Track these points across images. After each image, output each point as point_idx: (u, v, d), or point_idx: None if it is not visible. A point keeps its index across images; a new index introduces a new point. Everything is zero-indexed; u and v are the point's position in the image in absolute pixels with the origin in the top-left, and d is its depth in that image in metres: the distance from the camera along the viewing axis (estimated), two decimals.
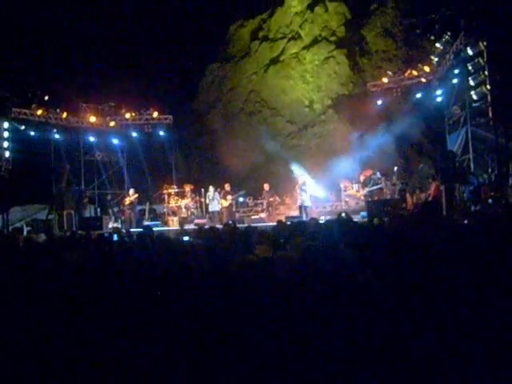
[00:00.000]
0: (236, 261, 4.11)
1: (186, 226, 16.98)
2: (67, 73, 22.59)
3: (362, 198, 18.89)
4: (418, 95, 19.67)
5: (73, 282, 4.33)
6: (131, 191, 20.27)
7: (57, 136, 20.97)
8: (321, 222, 8.42)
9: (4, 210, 18.38)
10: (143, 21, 25.32)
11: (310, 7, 25.11)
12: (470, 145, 16.46)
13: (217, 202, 19.07)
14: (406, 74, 20.08)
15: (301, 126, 24.54)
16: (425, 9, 18.61)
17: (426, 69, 19.27)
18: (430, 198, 16.30)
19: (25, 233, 18.92)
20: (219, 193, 19.28)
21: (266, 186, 19.57)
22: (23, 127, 19.77)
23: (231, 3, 25.47)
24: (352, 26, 24.60)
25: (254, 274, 3.70)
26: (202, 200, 20.24)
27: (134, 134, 23.03)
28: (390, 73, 20.77)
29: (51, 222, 19.12)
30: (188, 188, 20.64)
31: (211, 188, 19.20)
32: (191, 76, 26.47)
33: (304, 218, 15.98)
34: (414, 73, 19.77)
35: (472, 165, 16.21)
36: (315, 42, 24.73)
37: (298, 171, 20.22)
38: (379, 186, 18.42)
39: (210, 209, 19.25)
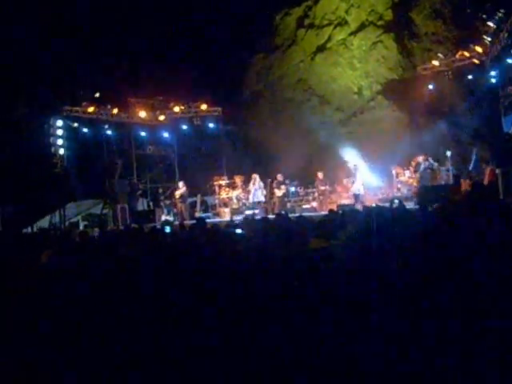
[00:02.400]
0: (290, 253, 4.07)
1: (238, 217, 17.08)
2: (116, 69, 22.90)
3: (415, 184, 18.55)
4: (471, 77, 19.10)
5: (125, 275, 4.37)
6: (180, 184, 20.46)
7: (108, 132, 21.34)
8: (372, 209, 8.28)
9: (60, 206, 18.87)
10: (190, 14, 25.40)
11: None
12: None
13: (260, 191, 19.03)
14: (458, 56, 19.49)
15: (350, 114, 24.24)
16: None
17: (479, 49, 18.64)
18: (485, 183, 15.86)
19: (81, 227, 19.41)
20: (271, 183, 19.28)
21: (320, 175, 19.44)
22: (76, 124, 20.22)
23: None
24: (399, 8, 24.03)
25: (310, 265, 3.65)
26: (251, 191, 20.24)
27: (184, 127, 23.22)
28: (440, 55, 20.22)
29: (106, 216, 19.53)
30: (238, 179, 20.66)
31: (257, 177, 19.16)
32: (238, 67, 26.43)
33: (357, 206, 15.82)
34: (466, 54, 19.16)
35: None
36: (362, 27, 24.29)
37: (349, 159, 20.01)
38: (430, 170, 18.04)
39: (253, 199, 19.20)
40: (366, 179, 18.52)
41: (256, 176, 19.20)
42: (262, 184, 19.08)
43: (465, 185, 17.19)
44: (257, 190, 19.00)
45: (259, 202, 19.05)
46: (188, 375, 3.10)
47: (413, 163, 18.79)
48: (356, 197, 17.69)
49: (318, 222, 6.46)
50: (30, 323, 3.68)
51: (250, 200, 19.26)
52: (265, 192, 19.16)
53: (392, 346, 2.87)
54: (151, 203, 21.68)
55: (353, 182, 17.96)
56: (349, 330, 3.01)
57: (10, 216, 18.49)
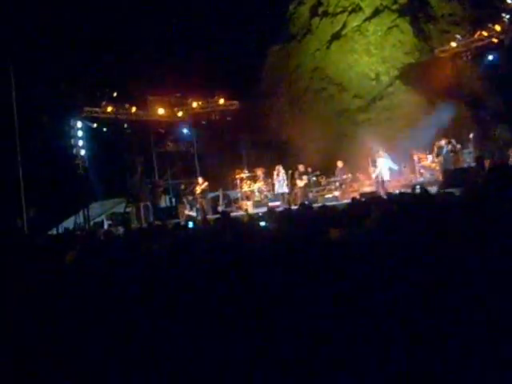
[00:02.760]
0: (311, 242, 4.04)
1: (261, 209, 17.07)
2: (133, 68, 22.98)
3: (437, 168, 18.35)
4: (491, 57, 18.82)
5: (151, 271, 4.38)
6: (200, 179, 20.48)
7: (128, 130, 21.47)
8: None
9: (84, 206, 19.05)
10: (203, 9, 25.39)
11: None
12: None
13: (283, 182, 19.01)
14: (476, 36, 19.19)
15: (368, 100, 24.02)
16: None
17: (497, 28, 18.31)
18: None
19: (105, 226, 19.57)
20: (292, 174, 19.25)
21: (340, 163, 19.37)
22: (95, 125, 20.38)
23: None
24: None
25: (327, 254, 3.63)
26: (275, 182, 20.23)
27: (203, 122, 23.28)
28: (458, 36, 19.92)
29: (129, 214, 19.67)
30: (260, 171, 20.66)
31: (279, 168, 19.14)
32: (254, 59, 26.36)
33: (380, 193, 15.71)
34: (484, 33, 18.85)
35: None
36: (377, 12, 24.02)
37: (371, 146, 19.86)
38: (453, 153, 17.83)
39: (277, 190, 19.20)
40: (388, 165, 18.38)
41: (280, 167, 19.18)
42: (285, 175, 19.06)
43: (489, 167, 16.98)
44: (281, 182, 19.00)
45: (283, 194, 19.04)
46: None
47: (435, 148, 18.57)
48: (382, 183, 17.57)
49: (341, 211, 6.41)
50: (55, 323, 3.71)
51: (276, 191, 19.27)
52: (287, 183, 19.15)
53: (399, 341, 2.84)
54: (174, 200, 21.78)
55: (377, 169, 17.83)
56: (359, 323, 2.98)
57: (36, 218, 18.70)
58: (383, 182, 17.64)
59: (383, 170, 17.73)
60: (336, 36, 24.79)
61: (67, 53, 21.74)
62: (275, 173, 19.19)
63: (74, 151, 19.46)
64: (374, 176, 18.36)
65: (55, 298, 4.13)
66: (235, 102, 23.22)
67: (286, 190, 19.07)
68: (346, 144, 21.45)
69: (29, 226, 17.76)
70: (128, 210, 20.11)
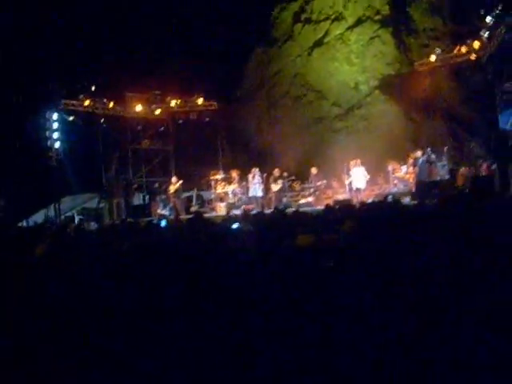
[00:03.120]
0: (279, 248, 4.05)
1: (234, 212, 17.03)
2: (112, 63, 22.80)
3: (411, 180, 18.54)
4: (468, 73, 19.09)
5: (121, 269, 4.35)
6: (173, 179, 20.42)
7: (104, 125, 21.27)
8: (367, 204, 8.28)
9: (55, 200, 18.82)
10: (186, 8, 25.31)
11: None
12: None
13: (258, 186, 18.99)
14: (455, 52, 19.46)
15: (347, 109, 24.15)
16: None
17: (476, 45, 18.58)
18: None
19: (76, 221, 19.36)
20: (267, 178, 19.27)
21: (314, 170, 19.48)
22: (72, 118, 20.15)
23: None
24: (397, 3, 23.96)
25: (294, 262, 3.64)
26: (249, 185, 20.24)
27: (180, 121, 23.19)
28: (437, 51, 20.18)
29: (101, 210, 19.50)
30: (235, 174, 20.61)
31: (256, 172, 19.14)
32: (235, 61, 26.35)
33: (353, 202, 15.83)
34: (463, 50, 19.12)
35: None
36: (359, 22, 24.21)
37: (346, 154, 19.96)
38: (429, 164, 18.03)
39: (251, 193, 19.19)
40: (363, 174, 18.51)
41: (256, 170, 19.17)
42: (260, 179, 19.05)
43: (461, 180, 17.23)
44: (256, 185, 18.97)
45: (257, 197, 19.02)
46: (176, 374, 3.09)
47: (410, 159, 18.74)
48: (356, 191, 17.71)
49: (314, 217, 6.44)
50: (25, 318, 3.66)
51: (250, 194, 19.24)
52: (263, 187, 19.15)
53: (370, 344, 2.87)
54: (147, 197, 21.64)
55: (352, 178, 17.96)
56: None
57: (5, 210, 18.42)
58: (358, 190, 17.78)
59: (358, 179, 17.87)
60: (318, 43, 24.90)
61: (48, 44, 21.50)
62: (251, 176, 19.15)
63: (49, 143, 19.23)
64: (347, 183, 18.50)
65: (23, 291, 4.08)
66: (214, 102, 23.17)
67: (260, 193, 19.04)
68: (322, 151, 21.55)
69: None
70: (101, 205, 19.94)
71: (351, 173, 18.11)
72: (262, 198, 19.27)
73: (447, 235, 4.07)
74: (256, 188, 18.92)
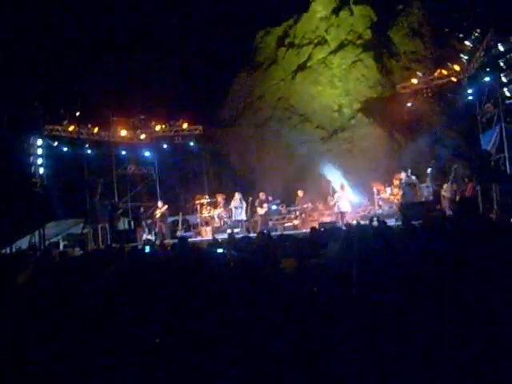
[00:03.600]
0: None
1: (220, 236, 16.99)
2: (97, 88, 22.84)
3: (396, 201, 18.63)
4: (449, 95, 19.34)
5: (107, 295, 4.31)
6: (159, 203, 20.47)
7: (89, 151, 21.21)
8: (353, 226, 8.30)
9: (40, 226, 18.65)
10: (170, 33, 25.51)
11: (335, 11, 24.95)
12: (505, 143, 16.08)
13: (242, 210, 19.06)
14: (436, 74, 19.72)
15: (331, 131, 24.36)
16: (452, 6, 18.32)
17: (456, 68, 18.89)
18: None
19: (61, 247, 19.20)
20: (253, 201, 19.30)
21: (300, 193, 19.55)
22: (56, 143, 20.09)
23: (256, 11, 25.45)
24: (378, 28, 24.38)
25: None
26: (232, 209, 20.29)
27: (165, 146, 23.20)
28: (419, 73, 20.43)
29: (86, 235, 19.35)
30: (220, 198, 20.61)
31: (237, 196, 19.22)
32: (219, 85, 26.52)
33: (338, 224, 15.87)
34: (444, 72, 19.40)
35: (508, 163, 15.82)
36: (342, 46, 24.56)
37: (331, 177, 20.07)
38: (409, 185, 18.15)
39: (234, 217, 19.24)
40: (348, 196, 18.58)
41: (237, 194, 19.25)
42: (243, 203, 19.09)
43: (445, 201, 17.36)
44: (237, 209, 19.03)
45: (240, 221, 19.05)
46: None
47: (395, 181, 18.85)
48: (342, 214, 17.74)
49: (300, 240, 6.44)
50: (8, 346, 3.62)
51: (234, 218, 19.27)
52: (246, 210, 19.18)
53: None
54: (132, 222, 21.53)
55: (337, 200, 18.01)
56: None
57: None
58: (343, 212, 17.83)
59: (343, 201, 17.92)
60: (301, 67, 25.18)
61: (32, 69, 21.51)
62: (233, 200, 19.25)
63: (33, 169, 19.11)
64: (332, 205, 18.54)
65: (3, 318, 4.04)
66: (199, 126, 23.21)
67: (243, 217, 19.09)
68: (308, 174, 21.66)
69: None
70: (85, 231, 19.79)
71: (336, 195, 18.18)
72: (247, 221, 19.31)
73: (433, 256, 4.09)
74: (239, 212, 19.00)
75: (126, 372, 3.25)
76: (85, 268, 6.40)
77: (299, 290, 3.63)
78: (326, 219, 18.86)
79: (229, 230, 18.38)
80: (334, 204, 18.26)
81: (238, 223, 19.10)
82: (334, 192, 18.41)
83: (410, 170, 18.34)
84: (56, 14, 23.49)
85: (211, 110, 25.86)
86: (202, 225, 20.62)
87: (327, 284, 3.74)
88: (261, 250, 6.15)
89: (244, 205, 19.10)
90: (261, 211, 19.15)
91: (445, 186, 17.92)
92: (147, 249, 8.97)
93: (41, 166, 19.22)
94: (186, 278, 4.37)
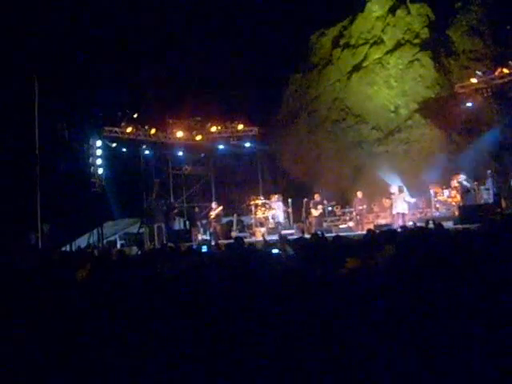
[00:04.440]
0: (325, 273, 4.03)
1: (275, 236, 17.00)
2: (155, 90, 23.24)
3: (454, 203, 18.24)
4: (510, 94, 18.78)
5: (162, 293, 4.38)
6: (214, 204, 20.68)
7: (146, 152, 21.63)
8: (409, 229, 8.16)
9: (98, 225, 19.12)
10: (226, 36, 25.71)
11: (392, 11, 24.59)
12: None
13: (280, 213, 20.00)
14: (497, 73, 19.17)
15: (387, 132, 24.01)
16: None
17: None
18: None
19: (118, 246, 19.62)
20: (307, 203, 19.35)
21: (360, 194, 19.42)
22: (114, 145, 20.54)
23: (311, 13, 25.38)
24: (436, 26, 23.87)
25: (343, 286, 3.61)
26: (289, 210, 20.32)
27: (221, 147, 23.41)
28: (478, 72, 19.90)
29: (142, 235, 19.70)
30: (275, 198, 20.68)
31: (276, 198, 19.79)
32: (274, 87, 26.59)
33: (394, 226, 15.63)
34: (505, 71, 18.83)
35: None
36: (398, 45, 24.17)
37: (387, 178, 19.82)
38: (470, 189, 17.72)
39: (277, 218, 19.88)
40: (405, 198, 18.30)
41: (276, 197, 19.74)
42: (281, 204, 19.75)
43: (505, 204, 16.86)
44: (278, 211, 19.45)
45: (279, 222, 19.56)
46: None
47: (452, 182, 18.44)
48: (398, 216, 17.45)
49: (357, 241, 6.39)
50: (65, 341, 3.71)
51: (276, 219, 19.65)
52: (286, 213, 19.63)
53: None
54: (187, 223, 21.80)
55: (393, 202, 17.74)
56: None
57: (50, 234, 18.76)
58: (399, 214, 17.52)
59: (400, 203, 17.62)
60: (357, 67, 24.92)
61: (91, 72, 22.06)
62: (272, 201, 19.70)
63: (92, 169, 19.58)
64: (388, 207, 18.30)
65: (64, 314, 4.14)
66: (254, 127, 23.32)
67: (281, 219, 19.80)
68: (362, 175, 21.45)
69: (42, 242, 17.79)
70: (142, 230, 20.15)
71: (392, 197, 17.91)
72: (302, 222, 19.42)
73: (491, 263, 3.99)
74: (279, 215, 19.35)
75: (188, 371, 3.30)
76: (143, 266, 6.52)
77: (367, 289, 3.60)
78: (382, 221, 18.65)
79: (283, 231, 18.40)
80: (390, 206, 18.01)
81: (291, 225, 19.25)
82: (391, 194, 18.14)
83: (464, 176, 17.91)
84: (114, 17, 24.02)
85: (266, 111, 25.94)
86: (256, 225, 20.69)
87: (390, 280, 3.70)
88: (313, 250, 6.12)
89: (281, 207, 19.57)
90: (315, 212, 19.12)
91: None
92: (204, 248, 9.07)
93: (100, 166, 19.66)
94: (243, 277, 4.40)
